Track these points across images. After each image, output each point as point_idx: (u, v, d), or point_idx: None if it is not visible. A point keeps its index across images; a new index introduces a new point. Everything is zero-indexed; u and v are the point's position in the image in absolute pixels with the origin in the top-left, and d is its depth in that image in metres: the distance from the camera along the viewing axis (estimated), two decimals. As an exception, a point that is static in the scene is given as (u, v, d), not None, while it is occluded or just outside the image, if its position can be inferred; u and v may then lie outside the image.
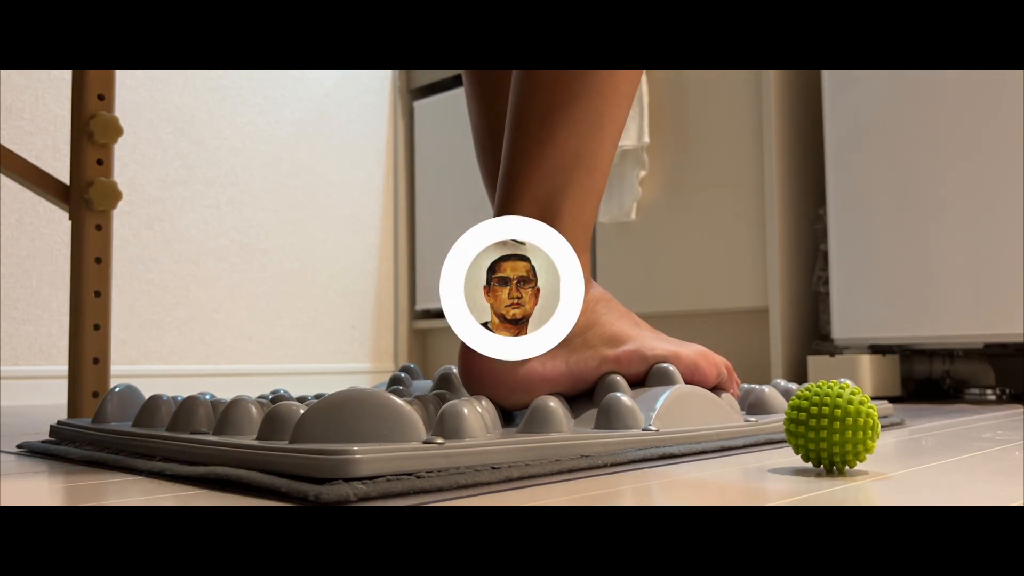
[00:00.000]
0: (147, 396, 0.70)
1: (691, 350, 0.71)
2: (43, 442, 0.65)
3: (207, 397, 0.61)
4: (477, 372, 0.66)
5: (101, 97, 0.98)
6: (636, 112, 1.68)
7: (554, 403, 0.54)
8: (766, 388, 0.76)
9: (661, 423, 0.60)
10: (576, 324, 0.67)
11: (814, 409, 0.48)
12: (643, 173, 1.71)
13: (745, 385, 0.80)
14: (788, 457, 0.57)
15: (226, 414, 0.53)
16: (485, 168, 0.92)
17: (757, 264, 1.56)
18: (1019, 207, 1.25)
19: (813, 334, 1.59)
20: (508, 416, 0.65)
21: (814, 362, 1.40)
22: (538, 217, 0.68)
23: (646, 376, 0.69)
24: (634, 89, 0.72)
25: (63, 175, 1.58)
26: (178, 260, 1.76)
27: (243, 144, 1.88)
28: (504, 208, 0.70)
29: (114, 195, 0.97)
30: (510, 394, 0.65)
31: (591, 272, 0.75)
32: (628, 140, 1.67)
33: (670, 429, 0.59)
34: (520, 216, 0.68)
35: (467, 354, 0.66)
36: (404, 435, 0.45)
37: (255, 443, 0.47)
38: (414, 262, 2.17)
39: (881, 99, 1.39)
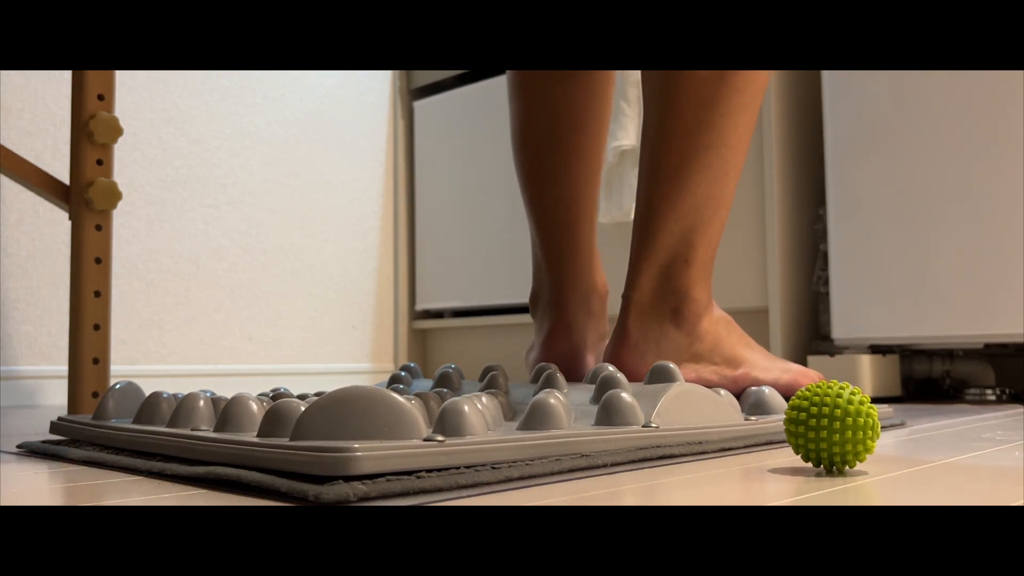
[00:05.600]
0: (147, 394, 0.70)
1: (791, 374, 0.83)
2: (43, 442, 0.65)
3: (208, 394, 0.60)
4: (624, 371, 0.80)
5: (101, 97, 0.98)
6: (635, 112, 1.68)
7: (554, 400, 0.54)
8: (766, 388, 0.76)
9: (661, 420, 0.60)
10: (704, 343, 0.81)
11: (814, 409, 0.48)
12: (643, 173, 1.70)
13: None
14: (788, 457, 0.57)
15: (227, 411, 0.53)
16: (520, 156, 0.95)
17: (757, 264, 1.56)
18: (1019, 207, 1.25)
19: (813, 334, 1.59)
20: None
21: (814, 362, 1.40)
22: (675, 247, 0.81)
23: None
24: (751, 134, 0.84)
25: (63, 175, 1.58)
26: (178, 260, 1.76)
27: (243, 144, 1.88)
28: (645, 237, 0.82)
29: (114, 195, 0.97)
30: None
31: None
32: (627, 140, 1.67)
33: (670, 426, 0.59)
34: (659, 247, 0.82)
35: (618, 351, 0.81)
36: (405, 432, 0.45)
37: (256, 440, 0.47)
38: (414, 262, 2.17)
39: (881, 99, 1.39)
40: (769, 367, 0.82)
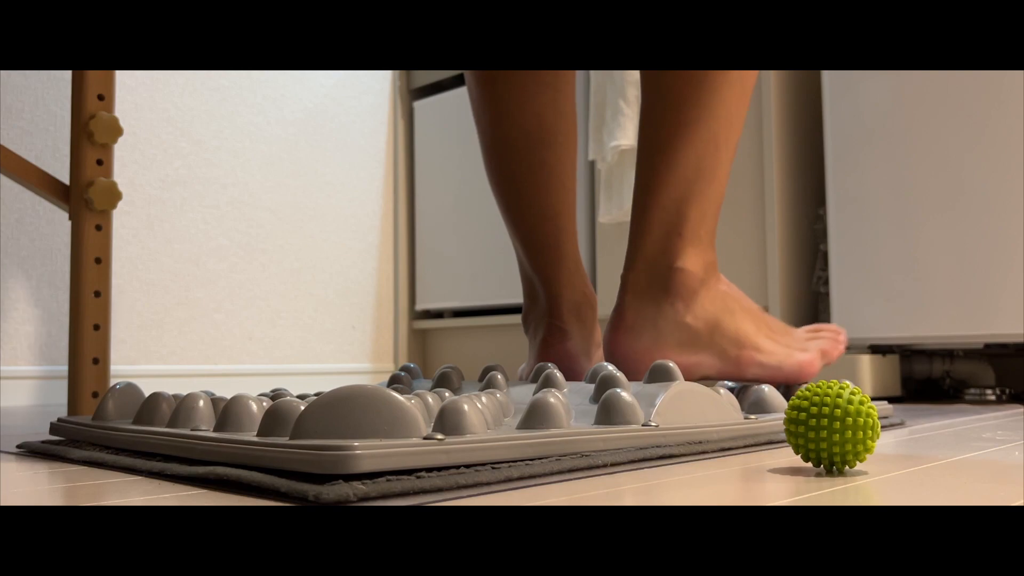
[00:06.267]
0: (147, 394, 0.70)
1: (794, 360, 0.81)
2: (43, 442, 0.65)
3: (208, 394, 0.60)
4: (621, 354, 0.79)
5: (101, 97, 0.98)
6: (634, 112, 1.68)
7: (554, 399, 0.54)
8: (766, 388, 0.76)
9: (661, 419, 0.60)
10: (703, 324, 0.79)
11: (814, 409, 0.48)
12: (643, 173, 1.70)
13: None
14: (788, 457, 0.57)
15: (227, 411, 0.53)
16: (495, 176, 0.94)
17: (757, 264, 1.56)
18: (1019, 207, 1.25)
19: (813, 334, 1.59)
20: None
21: (814, 362, 1.40)
22: (668, 221, 0.81)
23: (762, 380, 0.80)
24: (744, 109, 0.83)
25: (63, 175, 1.58)
26: (178, 260, 1.76)
27: (243, 144, 1.88)
28: (640, 214, 0.82)
29: (114, 195, 0.97)
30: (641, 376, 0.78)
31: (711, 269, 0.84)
32: (626, 140, 1.67)
33: (670, 426, 0.59)
34: (653, 221, 0.81)
35: (615, 335, 0.79)
36: (405, 431, 0.45)
37: (256, 439, 0.47)
38: (414, 262, 2.17)
39: (881, 99, 1.39)
40: (773, 350, 0.80)
